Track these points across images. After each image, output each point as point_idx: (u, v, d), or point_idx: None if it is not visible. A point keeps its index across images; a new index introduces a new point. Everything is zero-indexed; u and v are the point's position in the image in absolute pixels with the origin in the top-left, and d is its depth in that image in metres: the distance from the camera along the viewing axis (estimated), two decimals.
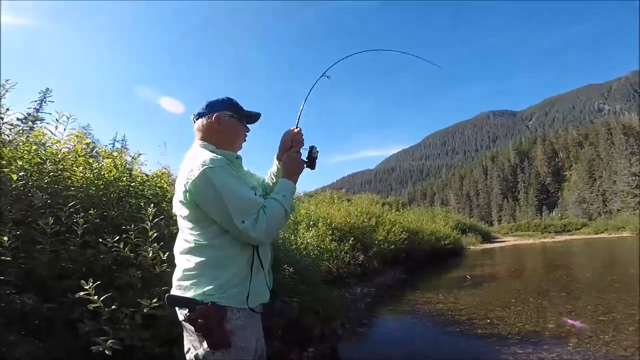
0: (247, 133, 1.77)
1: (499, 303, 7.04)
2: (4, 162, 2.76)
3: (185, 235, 1.52)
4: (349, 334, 5.48)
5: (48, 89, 11.71)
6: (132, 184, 3.70)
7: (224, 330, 1.39)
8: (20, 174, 2.70)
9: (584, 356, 4.01)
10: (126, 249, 2.58)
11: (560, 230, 48.57)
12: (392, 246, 11.65)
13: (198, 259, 1.44)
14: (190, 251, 1.48)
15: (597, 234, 40.10)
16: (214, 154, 1.52)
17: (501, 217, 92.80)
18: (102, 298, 2.12)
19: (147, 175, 4.13)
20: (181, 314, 1.46)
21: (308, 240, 7.16)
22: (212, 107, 1.66)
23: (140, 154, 4.29)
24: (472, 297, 7.89)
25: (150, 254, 2.65)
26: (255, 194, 1.53)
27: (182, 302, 1.43)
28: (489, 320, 5.74)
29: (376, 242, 10.91)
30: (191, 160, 1.51)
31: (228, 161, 1.56)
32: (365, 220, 11.47)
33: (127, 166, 3.84)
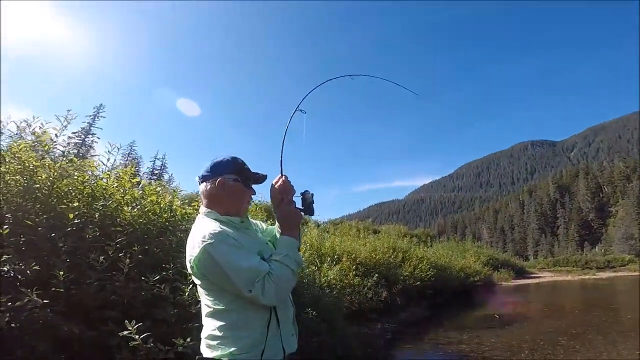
0: (252, 196, 1.77)
1: (526, 345, 6.87)
2: (61, 194, 3.10)
3: (204, 300, 1.59)
4: None
5: (102, 104, 12.88)
6: (171, 219, 3.93)
7: None
8: (75, 213, 3.01)
9: None
10: (166, 290, 2.90)
11: (603, 266, 45.10)
12: (418, 282, 11.53)
13: (219, 323, 1.51)
14: (212, 315, 1.55)
15: None
16: (215, 225, 1.56)
17: (537, 252, 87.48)
18: (142, 336, 2.38)
19: (185, 210, 4.26)
20: None
21: (331, 277, 7.20)
22: (216, 170, 1.67)
23: (182, 190, 4.62)
24: (499, 337, 7.69)
25: (187, 294, 2.97)
26: (264, 258, 1.57)
27: None
28: None
29: (401, 277, 10.83)
30: (194, 234, 1.58)
31: (233, 227, 1.61)
32: (392, 256, 11.43)
33: (169, 202, 4.04)
